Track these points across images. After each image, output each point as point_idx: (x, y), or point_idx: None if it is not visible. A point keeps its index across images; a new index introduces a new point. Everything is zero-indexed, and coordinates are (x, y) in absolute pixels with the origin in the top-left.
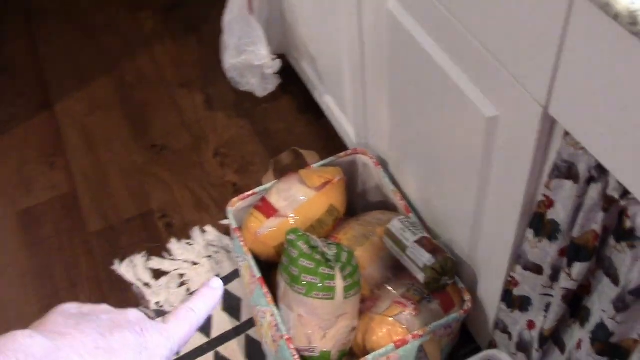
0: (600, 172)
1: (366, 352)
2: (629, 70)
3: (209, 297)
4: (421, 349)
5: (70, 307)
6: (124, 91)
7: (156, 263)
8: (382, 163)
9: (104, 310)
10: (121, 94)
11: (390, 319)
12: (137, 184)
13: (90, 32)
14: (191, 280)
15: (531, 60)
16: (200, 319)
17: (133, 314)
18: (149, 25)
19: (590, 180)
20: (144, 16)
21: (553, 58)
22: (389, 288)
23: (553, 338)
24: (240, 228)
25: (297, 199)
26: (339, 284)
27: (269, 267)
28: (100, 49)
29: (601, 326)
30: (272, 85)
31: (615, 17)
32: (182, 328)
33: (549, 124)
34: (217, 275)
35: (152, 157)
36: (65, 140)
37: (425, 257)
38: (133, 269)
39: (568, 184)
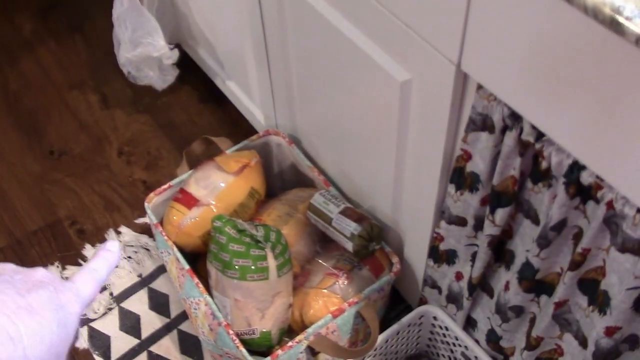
0: (514, 120)
1: (305, 327)
2: (536, 15)
3: (108, 258)
4: (358, 315)
5: None
6: (10, 99)
7: (73, 271)
8: (295, 141)
9: (13, 269)
10: (7, 103)
11: (325, 290)
12: (39, 194)
13: None
14: (113, 284)
15: (440, 19)
16: (102, 278)
17: (42, 272)
18: (28, 28)
19: (505, 129)
20: (20, 19)
21: (462, 14)
22: (320, 261)
23: (481, 285)
24: (161, 223)
25: (217, 185)
26: (272, 263)
27: (195, 258)
28: None
29: (526, 265)
30: (171, 76)
31: None
32: (89, 286)
33: (461, 80)
34: (140, 275)
35: (51, 164)
36: None
37: (351, 226)
38: None
39: (484, 136)
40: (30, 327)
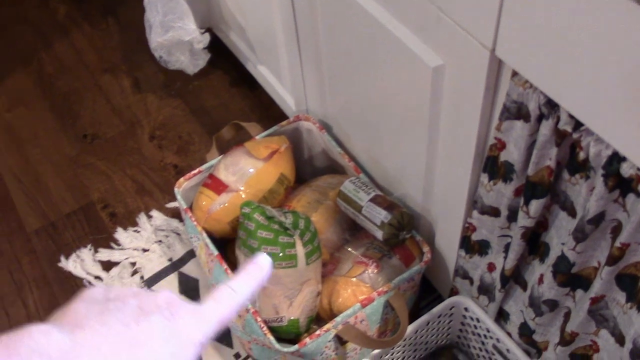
0: (550, 108)
1: (333, 315)
2: (575, 1)
3: (253, 276)
4: (387, 305)
5: (96, 293)
6: (45, 83)
7: (105, 254)
8: (326, 127)
9: (131, 294)
10: (42, 86)
11: (354, 279)
12: (72, 177)
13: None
14: (143, 268)
15: (474, 4)
16: (242, 299)
17: (164, 295)
18: (62, 12)
19: (541, 117)
20: (54, 3)
21: None
22: (349, 249)
23: (514, 277)
24: (190, 208)
25: (246, 171)
26: (300, 250)
27: (224, 244)
28: (12, 41)
29: (562, 258)
30: (202, 60)
31: None
32: (221, 310)
33: (496, 66)
34: (170, 259)
35: (84, 148)
36: None
37: (381, 214)
38: (81, 263)
39: (519, 124)
40: None
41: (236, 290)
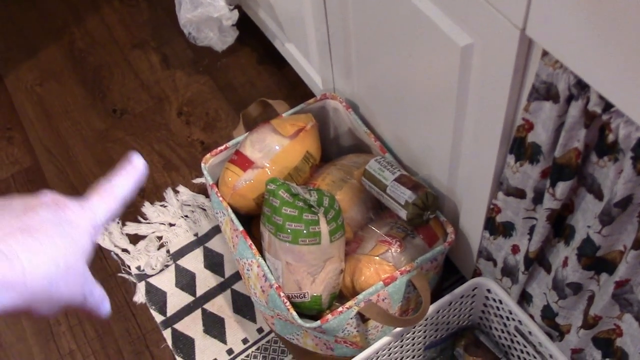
0: (580, 88)
1: (356, 293)
2: None
3: (130, 174)
4: (410, 284)
5: None
6: (75, 57)
7: (132, 228)
8: (352, 106)
9: (16, 199)
10: (73, 60)
11: (377, 257)
12: (101, 151)
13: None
14: (170, 242)
15: None
16: (123, 194)
17: (47, 196)
18: None
19: (570, 98)
20: None
21: None
22: (373, 228)
23: (538, 259)
24: (216, 184)
25: (272, 148)
26: (324, 228)
27: (249, 220)
28: (45, 16)
29: (587, 241)
30: (231, 38)
31: None
32: (105, 202)
33: (525, 46)
34: (196, 235)
35: (113, 122)
36: (20, 112)
37: (406, 194)
38: (109, 236)
39: (547, 105)
40: (26, 244)
41: (116, 185)
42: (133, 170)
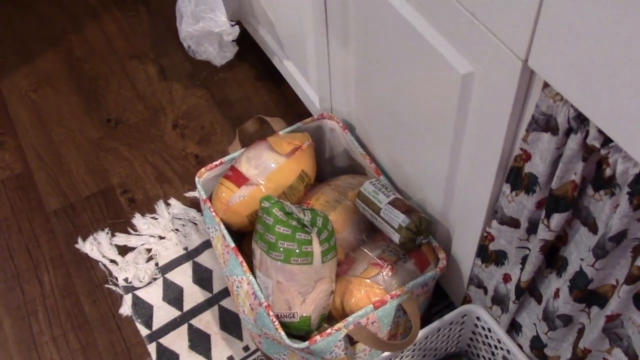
0: (579, 122)
1: (345, 315)
2: (615, 17)
3: None
4: (399, 308)
5: None
6: (72, 64)
7: (121, 239)
8: (349, 127)
9: None
10: (70, 68)
11: (368, 280)
12: (94, 160)
13: (31, 5)
14: (159, 255)
15: (510, 13)
16: None
17: None
18: None
19: (569, 131)
20: None
21: (534, 9)
22: (365, 250)
23: (529, 289)
24: (209, 198)
25: (268, 166)
26: (316, 248)
27: (240, 237)
28: (43, 21)
29: (580, 274)
30: (230, 53)
31: None
32: None
33: (527, 77)
34: (185, 249)
35: (107, 132)
36: (13, 118)
37: (399, 218)
38: (97, 246)
39: (546, 136)
40: None
41: None
42: None
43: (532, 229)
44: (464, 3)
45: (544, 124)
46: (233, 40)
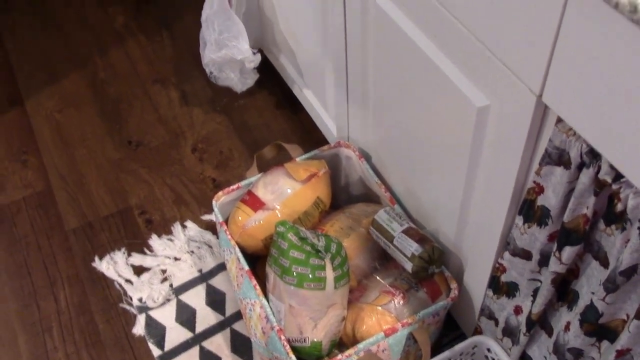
0: (591, 157)
1: (356, 342)
2: (627, 57)
3: None
4: (410, 337)
5: None
6: (96, 87)
7: (137, 259)
8: (365, 155)
9: None
10: (94, 90)
11: (379, 308)
12: (114, 181)
13: (59, 27)
14: (173, 276)
15: (525, 49)
16: None
17: None
18: (120, 21)
19: (582, 165)
20: (114, 11)
21: (549, 46)
22: (377, 278)
23: (540, 322)
24: (226, 222)
25: (284, 191)
26: (330, 274)
27: (254, 260)
28: (70, 44)
29: (590, 308)
30: (251, 80)
31: (616, 5)
32: None
33: (541, 112)
34: (200, 271)
35: (128, 154)
36: (37, 137)
37: (412, 247)
38: (114, 265)
39: (559, 170)
40: None
41: None
42: None
43: (543, 261)
44: (480, 37)
45: (557, 158)
46: (254, 68)
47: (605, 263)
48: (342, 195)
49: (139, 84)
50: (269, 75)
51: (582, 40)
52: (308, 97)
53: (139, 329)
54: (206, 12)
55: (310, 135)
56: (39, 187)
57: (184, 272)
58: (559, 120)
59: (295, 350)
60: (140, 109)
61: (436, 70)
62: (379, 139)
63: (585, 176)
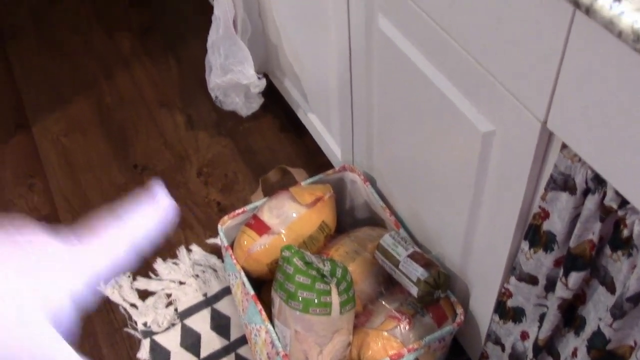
0: (597, 183)
1: None
2: (631, 84)
3: (151, 214)
4: None
5: None
6: (102, 111)
7: (142, 283)
8: (370, 179)
9: None
10: (100, 114)
11: (385, 333)
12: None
13: (66, 52)
14: (178, 300)
15: (530, 76)
16: (134, 238)
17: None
18: (126, 46)
19: (587, 191)
20: (120, 36)
21: (553, 74)
22: (383, 303)
23: (547, 348)
24: (231, 246)
25: (289, 216)
26: (335, 299)
27: (260, 284)
28: (77, 69)
29: (597, 334)
30: (256, 104)
31: (619, 35)
32: (108, 248)
33: (546, 138)
34: (205, 295)
35: (133, 178)
36: (43, 161)
37: (418, 271)
38: (118, 289)
39: (564, 196)
40: None
41: (129, 228)
42: (154, 210)
43: (550, 286)
44: (484, 64)
45: (563, 183)
46: (259, 92)
47: (612, 289)
48: (347, 219)
49: (144, 108)
50: (274, 99)
51: (586, 68)
52: (313, 121)
53: (143, 353)
54: (212, 38)
55: (315, 159)
56: (44, 211)
57: (188, 296)
58: (564, 146)
59: None
60: (146, 133)
61: (440, 96)
62: (384, 163)
63: (591, 202)
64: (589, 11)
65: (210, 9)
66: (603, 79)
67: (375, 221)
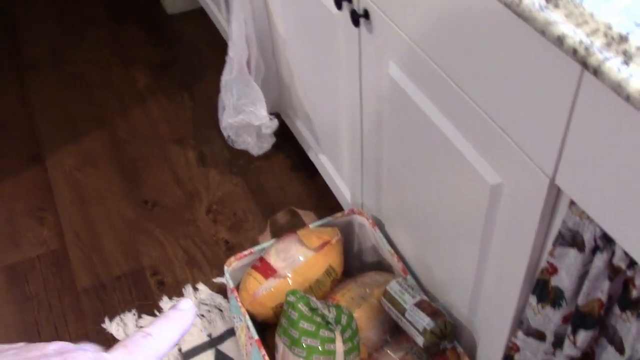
0: (605, 241)
1: None
2: (638, 146)
3: (175, 321)
4: None
5: None
6: (116, 146)
7: (147, 321)
8: (378, 224)
9: (16, 346)
10: (113, 149)
11: None
12: (128, 241)
13: (83, 86)
14: (182, 340)
15: (539, 133)
16: (161, 347)
17: (55, 345)
18: (142, 82)
19: (596, 249)
20: (137, 72)
21: (561, 132)
22: (388, 351)
23: None
24: (237, 288)
25: (296, 259)
26: (339, 347)
27: (264, 327)
28: (93, 103)
29: None
30: (267, 144)
31: (627, 97)
32: (130, 357)
33: (554, 193)
34: (209, 335)
35: (143, 213)
36: (55, 194)
37: (424, 321)
38: (124, 327)
39: (572, 252)
40: None
41: (153, 336)
42: (179, 320)
43: (558, 343)
44: (494, 117)
45: (571, 239)
46: (271, 133)
47: (621, 349)
48: (354, 262)
49: (157, 144)
50: (286, 138)
51: (594, 128)
52: (323, 162)
53: None
54: (225, 78)
55: (324, 200)
56: (53, 245)
57: (193, 336)
58: (572, 203)
59: None
60: (158, 169)
61: (450, 145)
62: (393, 208)
63: (600, 260)
64: (597, 72)
65: (227, 48)
66: (611, 139)
67: (382, 266)
